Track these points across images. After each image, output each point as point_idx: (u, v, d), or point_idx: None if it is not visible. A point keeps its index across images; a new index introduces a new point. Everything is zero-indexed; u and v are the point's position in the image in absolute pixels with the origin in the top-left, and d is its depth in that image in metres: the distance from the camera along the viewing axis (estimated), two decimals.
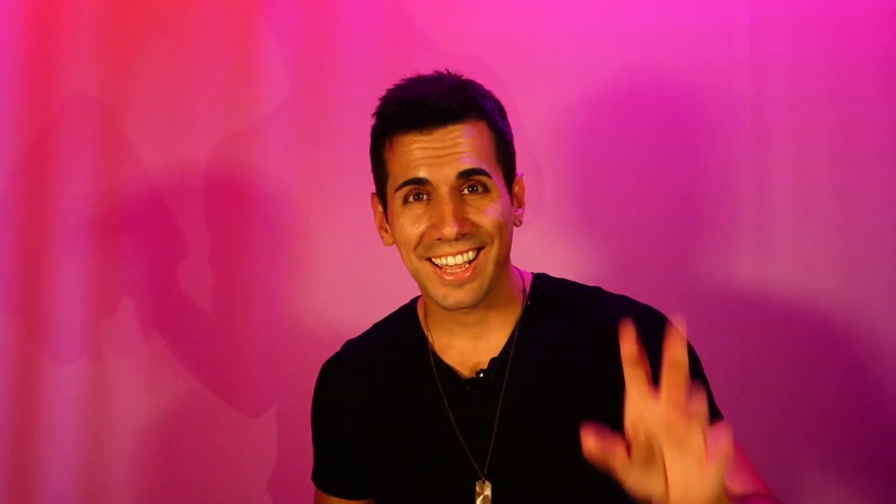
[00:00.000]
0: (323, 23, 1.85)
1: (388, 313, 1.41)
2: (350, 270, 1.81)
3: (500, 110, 1.26)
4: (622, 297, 1.30)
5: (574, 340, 1.25)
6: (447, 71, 1.27)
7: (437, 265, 1.20)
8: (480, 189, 1.20)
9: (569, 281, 1.34)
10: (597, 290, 1.32)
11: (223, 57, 1.85)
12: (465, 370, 1.27)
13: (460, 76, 1.26)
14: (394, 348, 1.32)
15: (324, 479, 1.38)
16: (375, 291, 1.74)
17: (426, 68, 1.77)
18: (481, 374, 1.25)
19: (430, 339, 1.30)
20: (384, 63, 1.82)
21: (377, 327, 1.39)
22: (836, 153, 1.74)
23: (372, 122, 1.27)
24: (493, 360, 1.25)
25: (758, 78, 1.77)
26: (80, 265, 1.83)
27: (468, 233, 1.18)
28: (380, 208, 1.29)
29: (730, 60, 1.78)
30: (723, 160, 1.77)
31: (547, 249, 1.74)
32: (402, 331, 1.33)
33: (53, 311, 1.82)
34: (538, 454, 1.21)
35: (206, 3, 1.86)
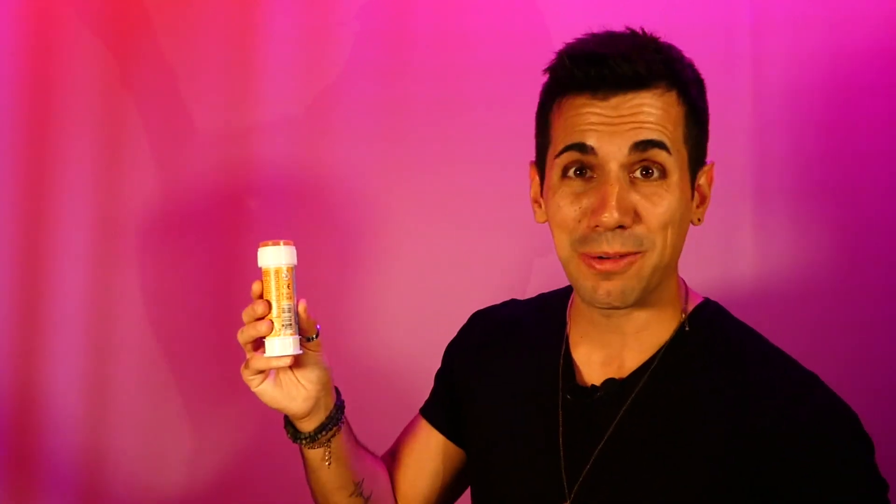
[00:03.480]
0: (324, 20, 1.85)
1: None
2: (350, 270, 1.81)
3: (699, 83, 1.06)
4: (808, 379, 1.03)
5: (716, 404, 1.02)
6: (642, 30, 1.06)
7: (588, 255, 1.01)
8: (656, 173, 1.00)
9: (744, 326, 1.11)
10: (772, 355, 1.07)
11: (225, 54, 1.85)
12: (589, 374, 1.11)
13: (655, 37, 1.05)
14: (539, 323, 1.18)
15: (430, 407, 1.28)
16: (372, 290, 1.75)
17: (426, 66, 1.78)
18: (593, 387, 1.09)
19: (568, 326, 1.14)
20: (386, 60, 1.82)
21: (542, 297, 1.25)
22: (834, 149, 1.74)
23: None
24: (608, 382, 1.08)
25: (757, 74, 1.77)
26: (82, 265, 1.83)
27: (630, 226, 0.99)
28: (537, 178, 1.10)
29: (730, 57, 1.77)
30: (721, 156, 1.76)
31: None
32: (553, 308, 1.18)
33: (53, 309, 1.82)
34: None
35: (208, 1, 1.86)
